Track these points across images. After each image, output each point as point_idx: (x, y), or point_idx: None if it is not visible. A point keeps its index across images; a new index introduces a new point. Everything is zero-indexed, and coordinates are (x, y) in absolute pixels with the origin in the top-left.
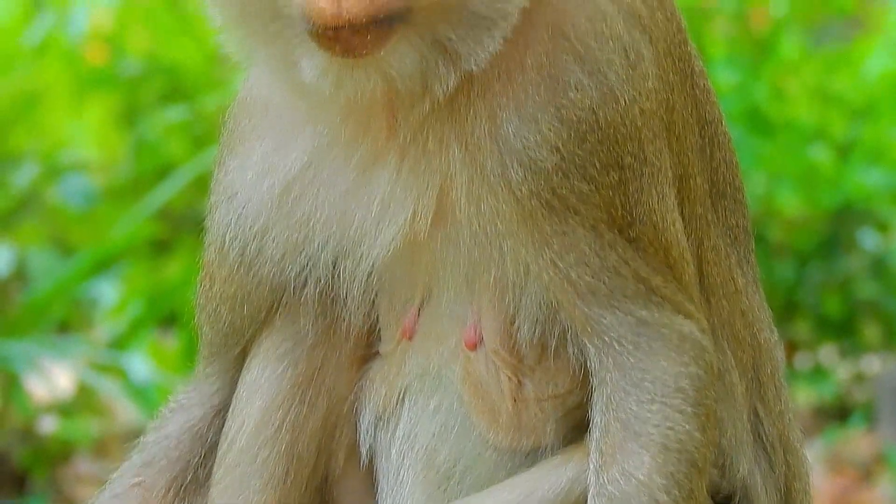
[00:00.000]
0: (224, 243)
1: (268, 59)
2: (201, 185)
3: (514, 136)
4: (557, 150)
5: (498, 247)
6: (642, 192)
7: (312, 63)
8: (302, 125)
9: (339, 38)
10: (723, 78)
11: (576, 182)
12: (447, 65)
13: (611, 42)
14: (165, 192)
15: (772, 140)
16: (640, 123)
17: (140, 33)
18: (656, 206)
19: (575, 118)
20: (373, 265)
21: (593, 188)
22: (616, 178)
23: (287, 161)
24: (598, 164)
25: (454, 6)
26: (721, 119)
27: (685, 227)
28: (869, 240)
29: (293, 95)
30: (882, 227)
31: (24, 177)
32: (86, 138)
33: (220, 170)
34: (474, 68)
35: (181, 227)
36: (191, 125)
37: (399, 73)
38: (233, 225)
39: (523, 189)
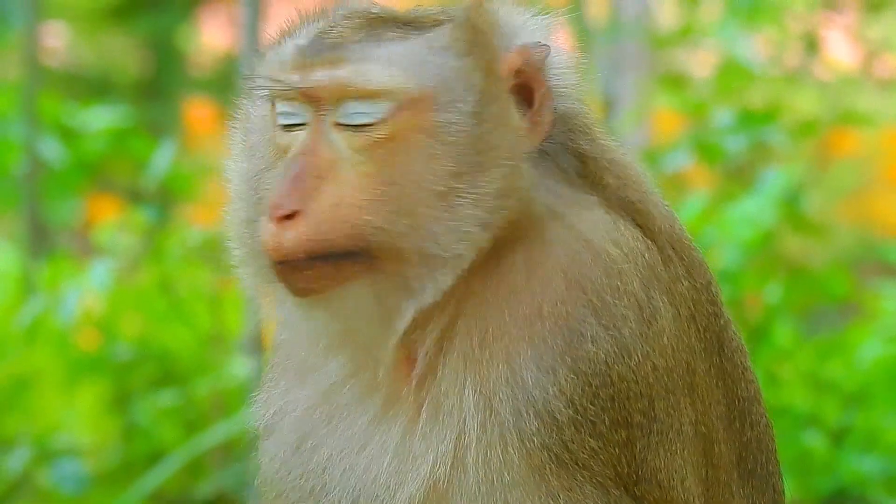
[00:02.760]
0: (265, 481)
1: (264, 296)
2: (194, 469)
3: (533, 385)
4: (572, 402)
5: (503, 499)
6: (649, 451)
7: (288, 299)
8: (316, 362)
9: (283, 274)
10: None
11: (586, 437)
12: (407, 302)
13: (626, 298)
14: (157, 477)
15: None
16: (651, 380)
17: (131, 318)
18: (663, 466)
19: (590, 371)
20: None
21: (601, 445)
22: (624, 436)
23: (300, 399)
24: (608, 421)
25: (407, 247)
26: (758, 400)
27: (706, 490)
28: None
29: (293, 332)
30: None
31: (15, 461)
32: (77, 423)
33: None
34: (430, 302)
35: None
36: (183, 410)
37: (355, 314)
38: (267, 464)
39: (535, 440)
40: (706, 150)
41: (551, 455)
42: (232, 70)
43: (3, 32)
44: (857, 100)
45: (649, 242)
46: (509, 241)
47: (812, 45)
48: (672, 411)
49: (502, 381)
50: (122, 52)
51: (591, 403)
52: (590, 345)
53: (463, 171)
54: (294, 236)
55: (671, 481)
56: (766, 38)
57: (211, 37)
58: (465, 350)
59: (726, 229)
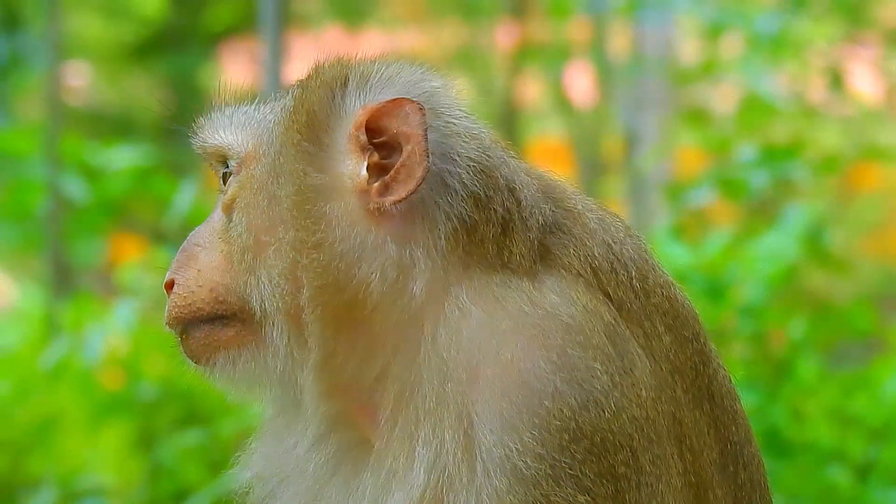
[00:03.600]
0: None
1: None
2: None
3: (495, 444)
4: (542, 458)
5: None
6: (640, 503)
7: (189, 366)
8: (289, 427)
9: (178, 342)
10: (742, 401)
11: (570, 491)
12: (287, 363)
13: (591, 351)
14: None
15: (790, 461)
16: (631, 431)
17: (156, 358)
18: None
19: (554, 427)
20: None
21: (590, 499)
22: (612, 489)
23: (275, 466)
24: (590, 475)
25: (256, 304)
26: (749, 440)
27: None
28: None
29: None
30: None
31: (41, 502)
32: (102, 463)
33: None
34: (311, 362)
35: None
36: (207, 450)
37: (253, 379)
38: None
39: (511, 498)
40: (729, 186)
41: None
42: None
43: (25, 73)
44: (879, 134)
45: (609, 303)
46: (434, 303)
47: (836, 80)
48: (658, 462)
49: (459, 442)
50: (143, 92)
51: (565, 458)
52: (551, 400)
53: (267, 223)
54: (170, 305)
55: None
56: (788, 73)
57: (232, 76)
58: (419, 413)
59: (750, 265)
